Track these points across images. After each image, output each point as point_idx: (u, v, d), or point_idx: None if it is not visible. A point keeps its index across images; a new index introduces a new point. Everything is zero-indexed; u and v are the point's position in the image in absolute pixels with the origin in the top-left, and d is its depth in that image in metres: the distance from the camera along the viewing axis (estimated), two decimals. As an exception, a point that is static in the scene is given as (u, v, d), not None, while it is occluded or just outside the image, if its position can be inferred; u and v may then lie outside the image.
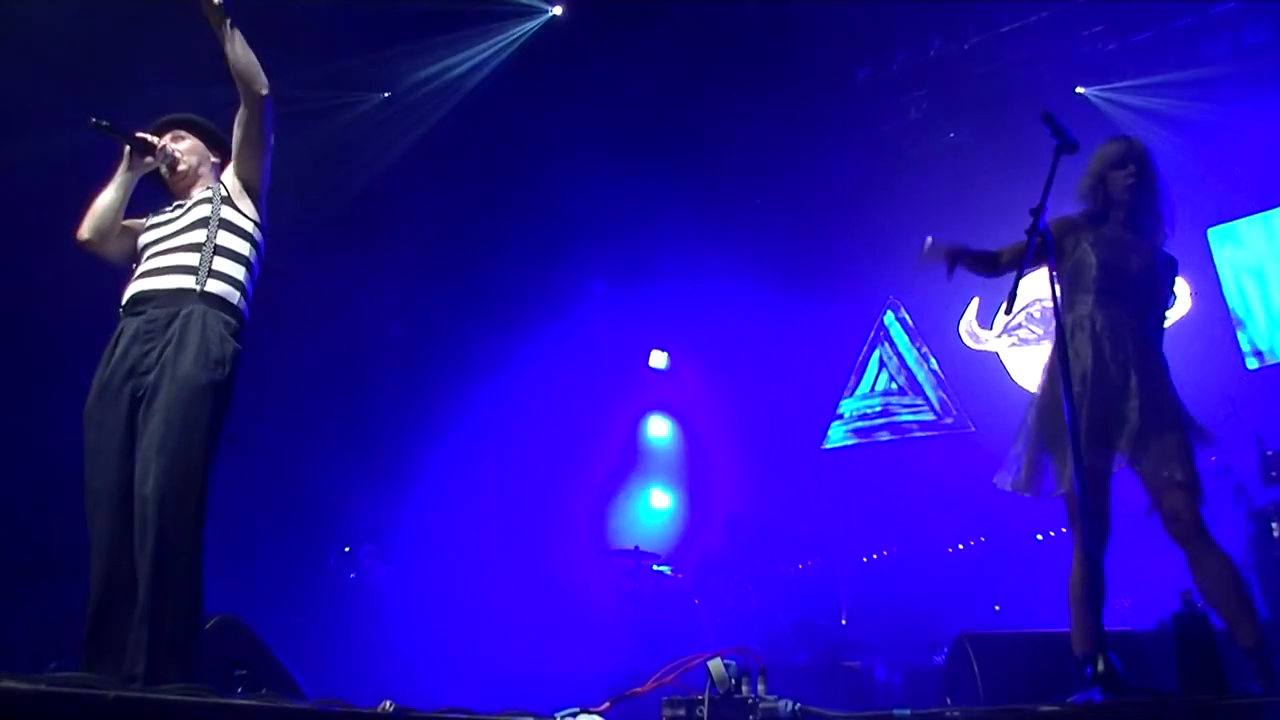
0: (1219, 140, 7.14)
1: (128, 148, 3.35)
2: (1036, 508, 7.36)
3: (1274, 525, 5.26)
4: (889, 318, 9.35)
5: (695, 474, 9.91)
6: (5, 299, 5.76)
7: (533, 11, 7.62)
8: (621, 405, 9.97)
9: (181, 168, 3.39)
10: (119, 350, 3.05)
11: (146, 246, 3.25)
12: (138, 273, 3.21)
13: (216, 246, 3.18)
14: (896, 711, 2.86)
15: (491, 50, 7.74)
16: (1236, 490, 5.55)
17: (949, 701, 3.91)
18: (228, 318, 3.12)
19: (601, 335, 9.67)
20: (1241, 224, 7.39)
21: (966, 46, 7.99)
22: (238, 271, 3.20)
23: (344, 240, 7.68)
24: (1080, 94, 7.68)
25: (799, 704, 2.80)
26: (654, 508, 9.83)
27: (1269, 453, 5.51)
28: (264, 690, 3.08)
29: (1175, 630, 3.34)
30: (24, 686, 1.73)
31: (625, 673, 6.16)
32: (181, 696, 2.11)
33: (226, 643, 3.51)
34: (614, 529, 9.60)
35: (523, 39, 7.69)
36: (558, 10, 7.59)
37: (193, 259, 3.14)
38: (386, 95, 7.85)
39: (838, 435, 9.42)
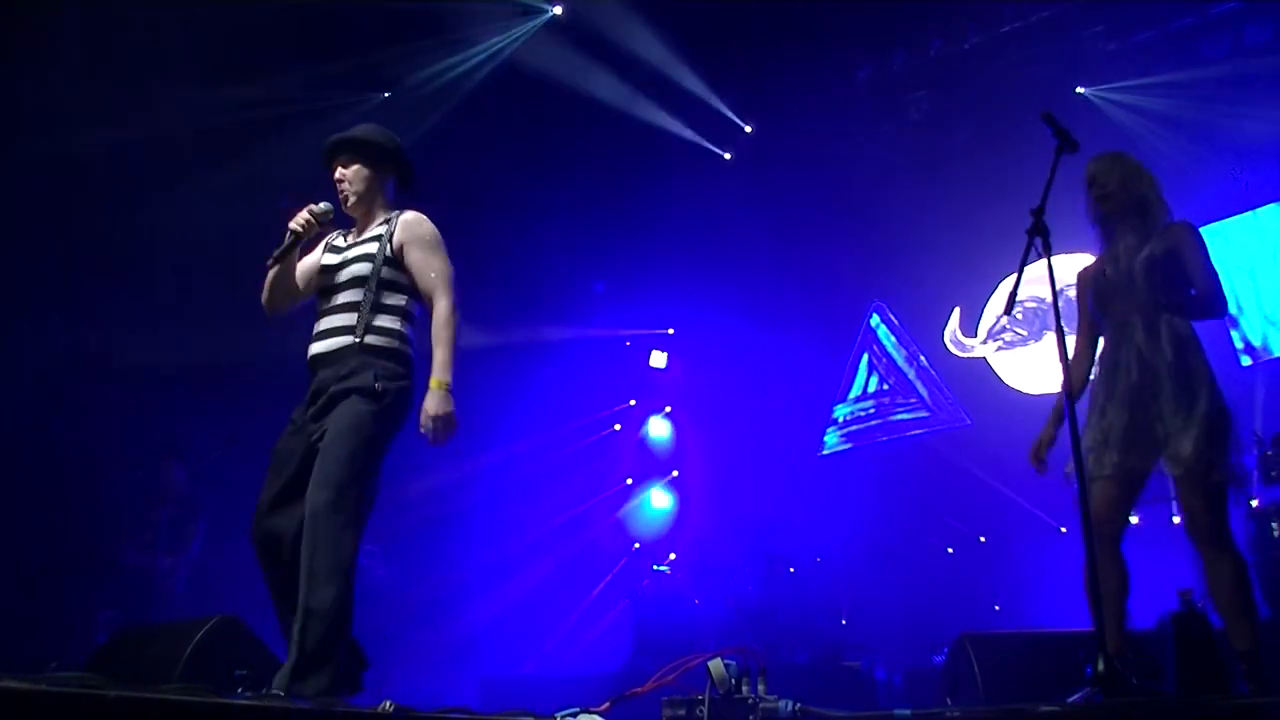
0: (1218, 140, 7.13)
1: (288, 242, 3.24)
2: (1036, 507, 7.42)
3: (1274, 525, 5.25)
4: (874, 320, 9.32)
5: (695, 474, 9.91)
6: (7, 301, 5.76)
7: (533, 11, 7.62)
8: (622, 405, 9.97)
9: (351, 202, 3.35)
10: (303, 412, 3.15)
11: (319, 296, 3.26)
12: (314, 331, 3.21)
13: (374, 304, 3.16)
14: (897, 711, 2.87)
15: (491, 50, 7.75)
16: (1236, 490, 5.52)
17: (949, 701, 3.91)
18: (386, 362, 3.11)
19: (601, 334, 9.67)
20: (1231, 222, 7.40)
21: (966, 46, 8.00)
22: (395, 323, 3.19)
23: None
24: (1080, 94, 7.68)
25: (799, 704, 2.80)
26: (654, 508, 9.82)
27: (1268, 452, 5.49)
28: (264, 690, 3.08)
29: (1175, 630, 3.35)
30: (24, 686, 1.73)
31: (625, 673, 6.16)
32: (181, 696, 2.11)
33: (226, 643, 3.51)
34: (614, 528, 9.60)
35: (523, 39, 7.69)
36: (558, 10, 7.59)
37: (350, 319, 3.15)
38: (387, 95, 7.85)
39: (833, 440, 9.40)
